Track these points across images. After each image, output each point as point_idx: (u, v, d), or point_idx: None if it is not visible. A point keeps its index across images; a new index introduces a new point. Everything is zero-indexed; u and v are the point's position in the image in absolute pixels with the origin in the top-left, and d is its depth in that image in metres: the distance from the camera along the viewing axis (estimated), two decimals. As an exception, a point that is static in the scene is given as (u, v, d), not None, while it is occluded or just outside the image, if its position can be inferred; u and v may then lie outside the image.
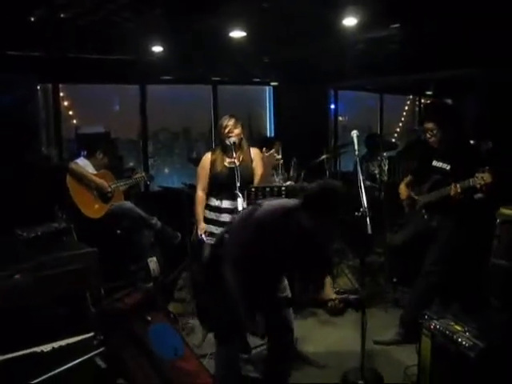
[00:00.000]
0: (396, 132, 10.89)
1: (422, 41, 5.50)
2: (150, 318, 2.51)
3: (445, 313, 3.79)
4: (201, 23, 4.70)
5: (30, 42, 5.62)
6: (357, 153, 4.37)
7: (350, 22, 4.81)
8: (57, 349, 2.44)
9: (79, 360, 2.28)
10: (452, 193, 4.33)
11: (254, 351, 4.55)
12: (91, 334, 2.47)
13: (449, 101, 8.91)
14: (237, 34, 5.17)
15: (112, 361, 2.30)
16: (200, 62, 6.53)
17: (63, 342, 2.56)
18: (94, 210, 5.56)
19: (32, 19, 5.05)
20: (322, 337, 5.05)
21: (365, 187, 7.32)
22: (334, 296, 3.44)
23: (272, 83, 8.44)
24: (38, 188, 5.35)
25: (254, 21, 4.79)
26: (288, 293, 3.74)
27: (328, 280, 3.51)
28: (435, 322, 3.66)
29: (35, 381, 2.16)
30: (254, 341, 4.62)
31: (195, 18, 4.51)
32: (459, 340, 3.41)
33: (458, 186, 4.28)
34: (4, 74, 5.50)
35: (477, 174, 4.10)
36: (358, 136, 4.42)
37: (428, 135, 4.63)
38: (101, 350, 2.34)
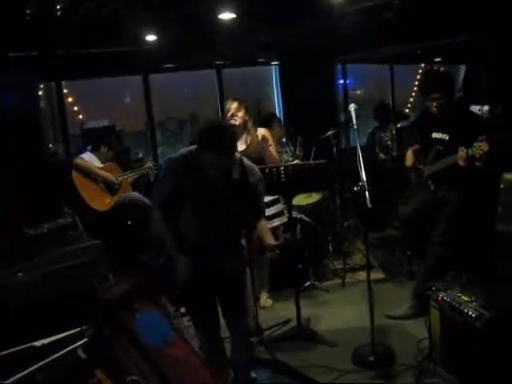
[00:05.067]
0: (409, 102, 10.72)
1: (418, 7, 5.35)
2: (136, 307, 2.52)
3: (452, 284, 3.73)
4: (188, 7, 4.66)
5: (29, 42, 5.66)
6: (355, 127, 4.34)
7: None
8: (47, 343, 2.48)
9: (61, 353, 2.31)
10: (459, 156, 4.19)
11: (266, 333, 4.57)
12: (79, 328, 2.49)
13: (442, 68, 8.81)
14: (226, 15, 5.12)
15: (96, 351, 2.33)
16: (198, 47, 6.49)
17: (56, 336, 2.60)
18: (102, 202, 5.62)
19: (27, 18, 5.09)
20: (336, 314, 5.03)
21: (379, 160, 7.33)
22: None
23: (273, 63, 8.36)
24: (44, 185, 5.43)
25: (241, 2, 4.73)
26: None
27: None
28: (442, 293, 3.61)
29: (19, 375, 2.20)
30: (266, 322, 4.65)
31: (181, 3, 4.47)
32: (465, 311, 3.35)
33: (465, 150, 4.14)
34: (4, 74, 5.57)
35: (475, 144, 4.02)
36: (355, 109, 4.38)
37: (435, 104, 4.50)
38: (83, 341, 2.37)
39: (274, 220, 5.21)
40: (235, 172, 3.23)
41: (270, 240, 3.45)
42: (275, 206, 5.18)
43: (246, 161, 3.39)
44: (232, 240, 3.39)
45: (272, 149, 5.01)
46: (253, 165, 3.45)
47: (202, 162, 3.07)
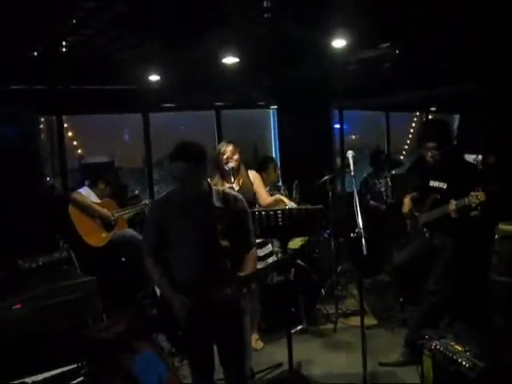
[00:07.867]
0: (404, 150, 10.86)
1: (414, 58, 5.49)
2: (135, 347, 2.50)
3: (446, 332, 3.72)
4: (193, 51, 4.76)
5: (31, 76, 5.74)
6: (352, 173, 4.35)
7: (339, 43, 4.84)
8: (39, 381, 2.45)
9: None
10: (449, 209, 4.29)
11: (257, 376, 4.52)
12: (76, 365, 2.48)
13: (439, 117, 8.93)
14: (229, 60, 5.22)
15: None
16: (199, 89, 6.59)
17: (51, 373, 2.57)
18: (97, 238, 5.61)
19: (31, 54, 5.18)
20: (327, 359, 4.99)
21: (370, 207, 7.36)
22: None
23: (272, 106, 8.49)
24: (40, 218, 5.43)
25: (246, 46, 4.83)
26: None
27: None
28: (435, 342, 3.59)
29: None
30: (258, 365, 4.60)
31: (187, 46, 4.57)
32: (459, 360, 3.33)
33: (454, 202, 4.25)
34: (5, 108, 5.62)
35: (472, 193, 4.07)
36: (353, 156, 4.41)
37: (430, 154, 4.56)
38: (78, 380, 2.35)
39: (261, 262, 5.23)
40: (216, 200, 3.20)
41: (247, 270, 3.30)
42: (263, 249, 5.19)
43: (229, 191, 3.39)
44: (226, 274, 3.23)
45: (261, 190, 5.08)
46: (237, 193, 3.42)
47: (177, 183, 3.09)
